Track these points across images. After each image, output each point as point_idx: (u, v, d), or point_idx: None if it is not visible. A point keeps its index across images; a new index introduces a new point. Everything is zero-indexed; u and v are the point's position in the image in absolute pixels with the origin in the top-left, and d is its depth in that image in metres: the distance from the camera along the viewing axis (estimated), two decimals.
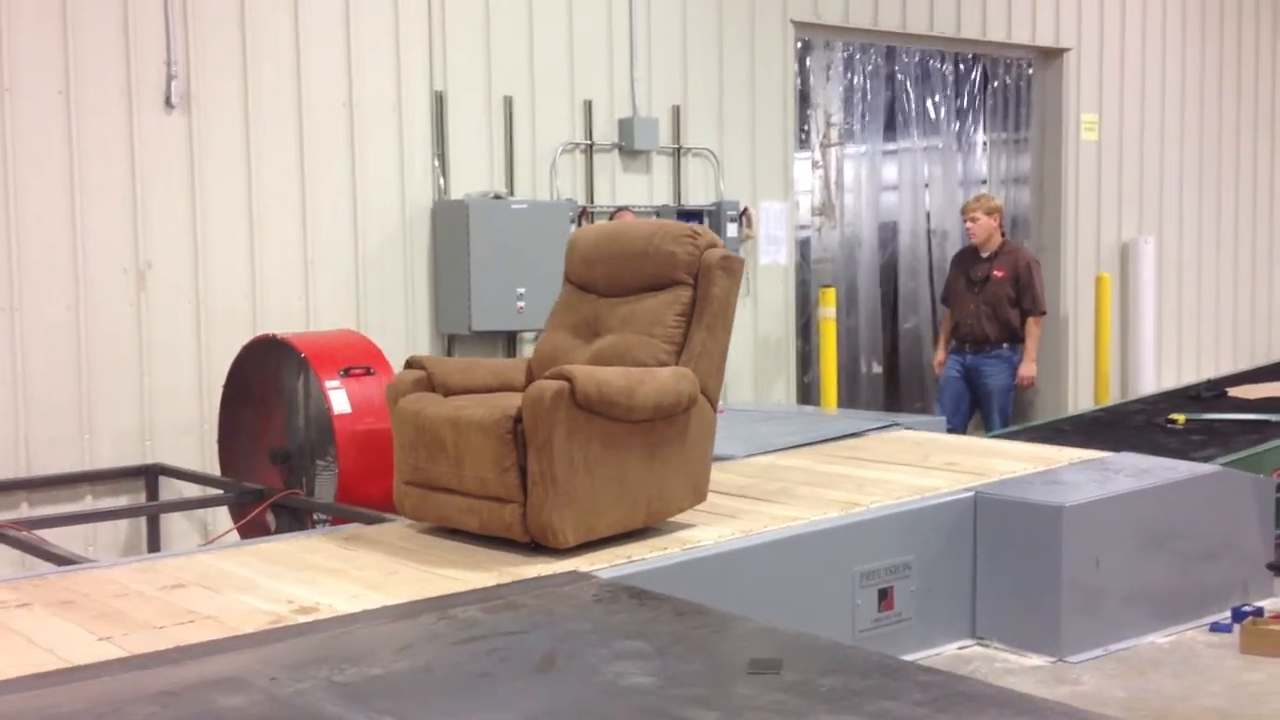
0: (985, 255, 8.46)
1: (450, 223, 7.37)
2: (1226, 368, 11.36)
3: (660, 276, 4.93)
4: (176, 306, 6.68)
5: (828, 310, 8.76)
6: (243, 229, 6.86)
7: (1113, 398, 10.31)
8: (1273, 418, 7.79)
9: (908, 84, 10.12)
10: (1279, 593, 5.82)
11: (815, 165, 9.76)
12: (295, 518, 5.89)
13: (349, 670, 3.31)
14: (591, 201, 8.09)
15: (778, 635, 3.64)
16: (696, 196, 8.55)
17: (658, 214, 8.12)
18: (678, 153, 8.48)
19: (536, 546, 4.47)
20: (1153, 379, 10.90)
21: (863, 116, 9.93)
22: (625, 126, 8.16)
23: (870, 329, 10.08)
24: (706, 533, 4.71)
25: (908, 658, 4.42)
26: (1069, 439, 7.22)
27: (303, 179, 7.04)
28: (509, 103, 7.74)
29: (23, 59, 6.26)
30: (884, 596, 4.94)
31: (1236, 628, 5.30)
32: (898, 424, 7.08)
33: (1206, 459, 6.50)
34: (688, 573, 4.37)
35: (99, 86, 6.45)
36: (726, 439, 6.04)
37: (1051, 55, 10.57)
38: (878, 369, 10.20)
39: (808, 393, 9.41)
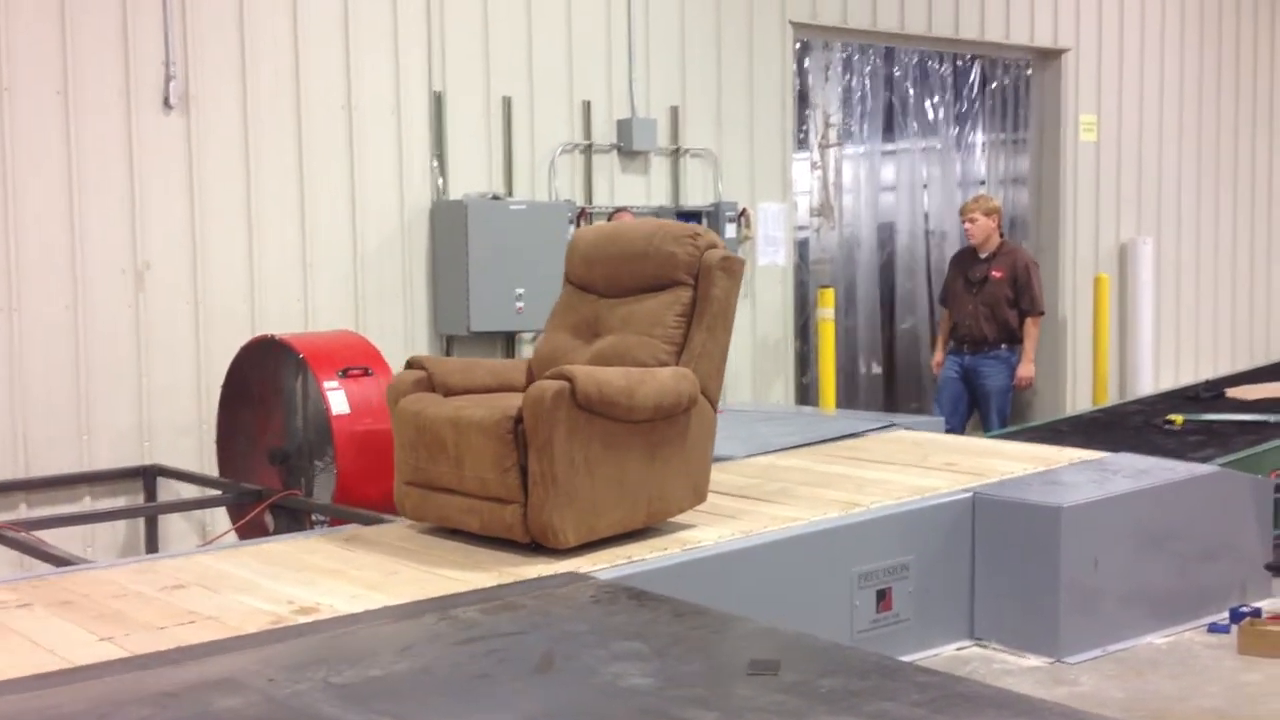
0: (983, 256, 8.46)
1: (449, 223, 7.37)
2: (1225, 368, 11.37)
3: (660, 277, 4.93)
4: (175, 307, 6.69)
5: (826, 311, 8.76)
6: (241, 230, 6.86)
7: (1111, 398, 10.31)
8: (1271, 418, 7.80)
9: (906, 85, 10.12)
10: (1277, 593, 5.82)
11: (814, 166, 9.76)
12: (294, 518, 5.89)
13: (348, 671, 3.31)
14: (590, 202, 8.09)
15: (777, 636, 3.64)
16: (695, 197, 8.55)
17: (657, 214, 8.11)
18: (676, 153, 8.48)
19: (537, 547, 4.47)
20: (1151, 379, 10.90)
21: (861, 117, 9.94)
22: (624, 127, 8.16)
23: (869, 329, 10.08)
24: (706, 533, 4.72)
25: (906, 658, 4.42)
26: (1067, 439, 7.22)
27: (301, 180, 7.05)
28: (508, 104, 7.75)
29: (21, 59, 6.26)
30: (882, 597, 4.94)
31: (1234, 628, 5.30)
32: (896, 424, 7.08)
33: (1205, 459, 6.50)
34: (688, 573, 4.38)
35: (97, 87, 6.45)
36: (726, 439, 6.04)
37: (1050, 56, 10.57)
38: (876, 369, 10.19)
39: (806, 393, 9.41)
